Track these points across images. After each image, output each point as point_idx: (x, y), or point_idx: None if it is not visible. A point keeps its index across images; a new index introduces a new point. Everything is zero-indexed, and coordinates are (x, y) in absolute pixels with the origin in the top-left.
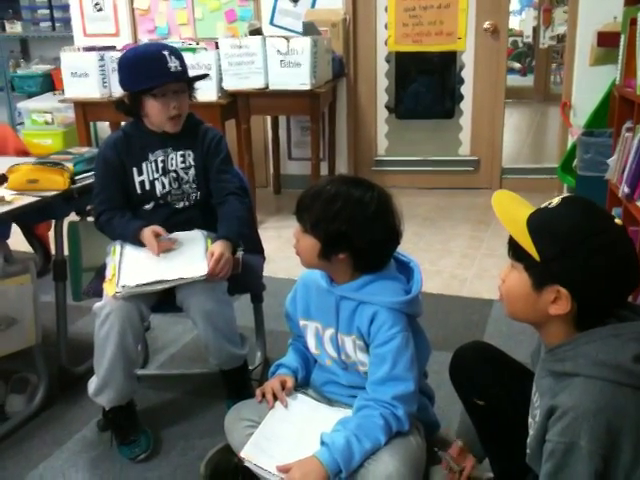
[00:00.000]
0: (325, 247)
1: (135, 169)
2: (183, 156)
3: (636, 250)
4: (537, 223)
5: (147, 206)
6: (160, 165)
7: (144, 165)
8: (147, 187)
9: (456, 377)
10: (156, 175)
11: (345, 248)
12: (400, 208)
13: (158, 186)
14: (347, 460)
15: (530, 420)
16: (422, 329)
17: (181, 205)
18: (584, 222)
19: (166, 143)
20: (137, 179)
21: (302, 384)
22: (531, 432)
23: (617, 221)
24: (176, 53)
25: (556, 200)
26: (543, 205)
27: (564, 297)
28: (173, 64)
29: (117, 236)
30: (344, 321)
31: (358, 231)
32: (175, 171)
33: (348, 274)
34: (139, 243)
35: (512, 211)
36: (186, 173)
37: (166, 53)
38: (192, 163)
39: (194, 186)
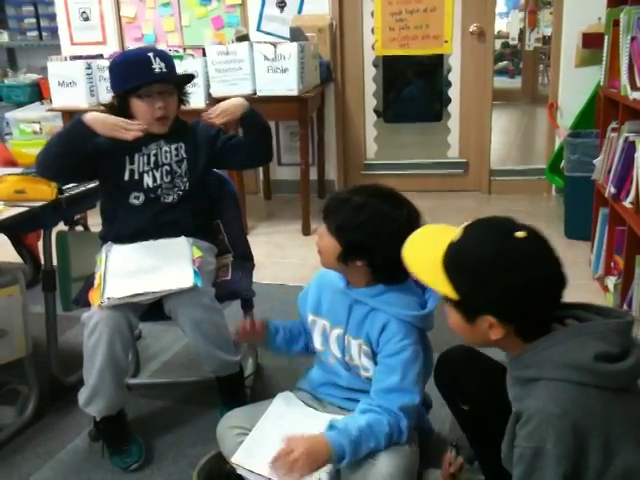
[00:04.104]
0: (345, 252)
1: (128, 157)
2: (177, 149)
3: (550, 251)
4: (448, 261)
5: (137, 201)
6: (152, 159)
7: (136, 156)
8: (136, 177)
9: (441, 382)
10: (146, 168)
11: (364, 257)
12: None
13: (146, 179)
14: (354, 451)
15: None
16: (430, 344)
17: (169, 199)
18: (485, 249)
19: (159, 136)
20: (128, 167)
21: (276, 346)
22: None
23: (519, 234)
24: (162, 55)
25: (459, 231)
26: (452, 238)
27: (495, 324)
28: (157, 65)
29: (60, 136)
30: (354, 324)
31: (378, 245)
32: (169, 164)
33: (364, 280)
34: (80, 128)
35: (425, 256)
36: (179, 166)
37: (151, 55)
38: (184, 155)
39: (185, 179)
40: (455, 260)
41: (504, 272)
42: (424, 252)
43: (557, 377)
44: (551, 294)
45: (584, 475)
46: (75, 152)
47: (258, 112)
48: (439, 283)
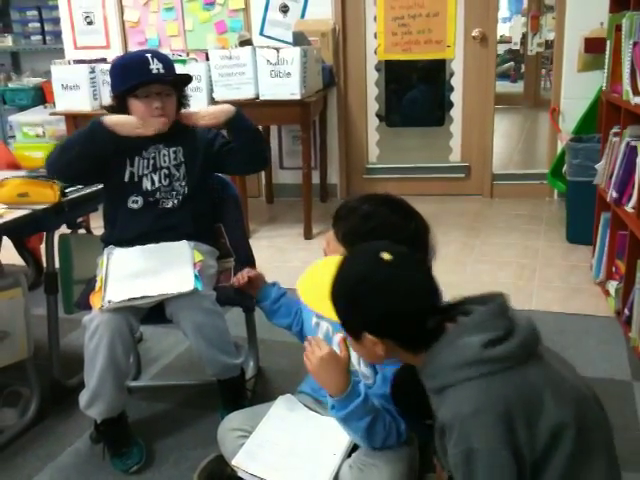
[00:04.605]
0: None
1: (128, 159)
2: (175, 152)
3: (416, 270)
4: (331, 292)
5: (135, 205)
6: (151, 162)
7: (136, 159)
8: (135, 179)
9: (400, 405)
10: (145, 171)
11: None
12: (435, 243)
13: (145, 182)
14: (362, 408)
15: None
16: None
17: (170, 205)
18: (353, 274)
19: (158, 140)
20: (128, 168)
21: (263, 305)
22: None
23: (385, 257)
24: (160, 57)
25: (338, 259)
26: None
27: (375, 341)
28: (155, 66)
29: (78, 139)
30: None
31: None
32: (167, 167)
33: None
34: (102, 130)
35: (317, 287)
36: (177, 170)
37: (149, 56)
38: (182, 159)
39: (183, 183)
40: (333, 287)
41: (368, 294)
42: (317, 284)
43: (458, 379)
44: (417, 310)
45: (522, 456)
46: (94, 154)
47: (246, 118)
48: (329, 310)
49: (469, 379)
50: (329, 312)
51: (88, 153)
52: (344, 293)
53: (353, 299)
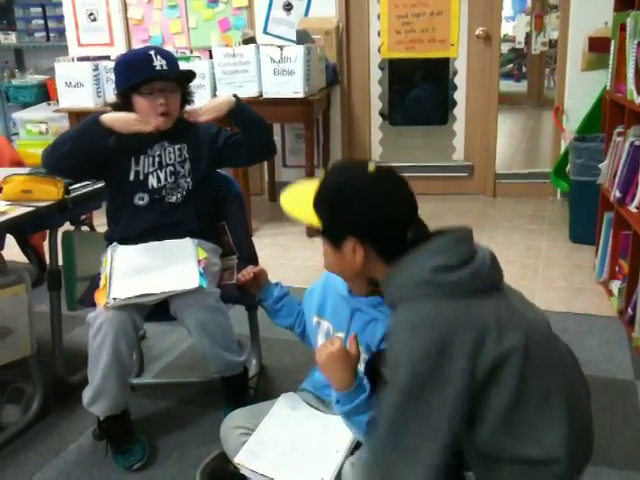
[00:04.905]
0: None
1: (133, 158)
2: (180, 149)
3: (397, 183)
4: (314, 200)
5: (141, 202)
6: (157, 160)
7: (142, 157)
8: (141, 178)
9: (375, 385)
10: (151, 169)
11: None
12: None
13: (151, 180)
14: (365, 403)
15: None
16: None
17: (173, 199)
18: (332, 181)
19: (162, 137)
20: (133, 168)
21: (265, 304)
22: None
23: (370, 168)
24: (164, 53)
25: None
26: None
27: (356, 244)
28: (158, 63)
29: (74, 135)
30: (354, 332)
31: None
32: (173, 165)
33: (365, 290)
34: (97, 127)
35: (303, 201)
36: (182, 167)
37: (152, 53)
38: (187, 156)
39: (188, 180)
40: (317, 194)
41: (352, 196)
42: (301, 195)
43: (408, 296)
44: (399, 215)
45: (455, 384)
46: (87, 151)
47: (249, 107)
48: (312, 218)
49: (418, 298)
50: (312, 219)
51: (80, 149)
52: (328, 197)
53: (337, 201)
